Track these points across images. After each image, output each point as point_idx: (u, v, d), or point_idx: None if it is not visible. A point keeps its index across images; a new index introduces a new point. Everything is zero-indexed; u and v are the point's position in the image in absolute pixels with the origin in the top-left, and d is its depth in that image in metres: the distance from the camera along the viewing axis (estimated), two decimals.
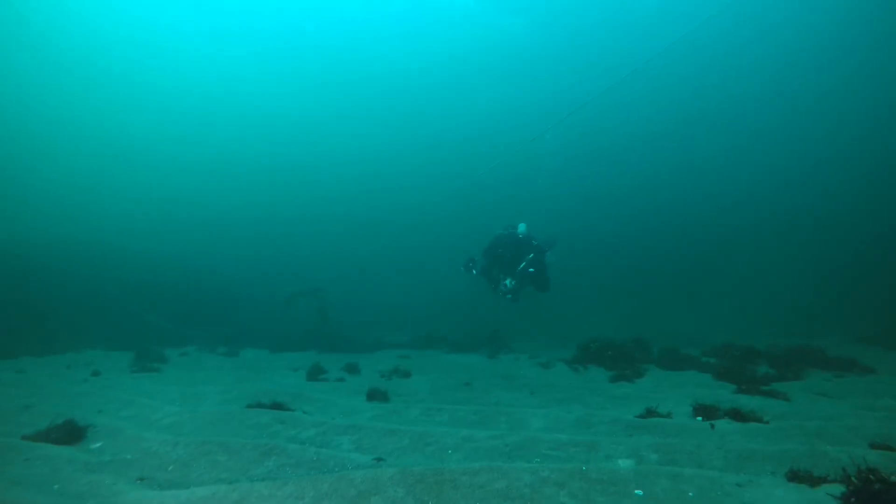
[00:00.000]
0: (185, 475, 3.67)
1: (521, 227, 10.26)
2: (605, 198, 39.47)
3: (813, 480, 3.22)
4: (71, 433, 4.53)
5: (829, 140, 31.61)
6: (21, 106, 36.81)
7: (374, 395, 6.08)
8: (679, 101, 32.51)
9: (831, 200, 30.52)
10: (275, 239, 41.26)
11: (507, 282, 9.53)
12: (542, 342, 14.12)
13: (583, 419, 5.07)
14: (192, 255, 23.00)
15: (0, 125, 37.99)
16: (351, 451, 4.17)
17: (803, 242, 27.62)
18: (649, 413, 5.20)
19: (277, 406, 5.35)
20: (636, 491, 3.13)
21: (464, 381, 7.37)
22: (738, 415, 4.87)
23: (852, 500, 2.79)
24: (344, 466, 3.77)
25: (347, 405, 5.66)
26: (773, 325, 15.69)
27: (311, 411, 5.41)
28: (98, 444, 4.44)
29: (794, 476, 3.31)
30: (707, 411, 5.15)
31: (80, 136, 40.16)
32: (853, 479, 2.86)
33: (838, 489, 2.97)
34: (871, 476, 2.78)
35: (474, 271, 10.19)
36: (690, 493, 3.09)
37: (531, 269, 9.69)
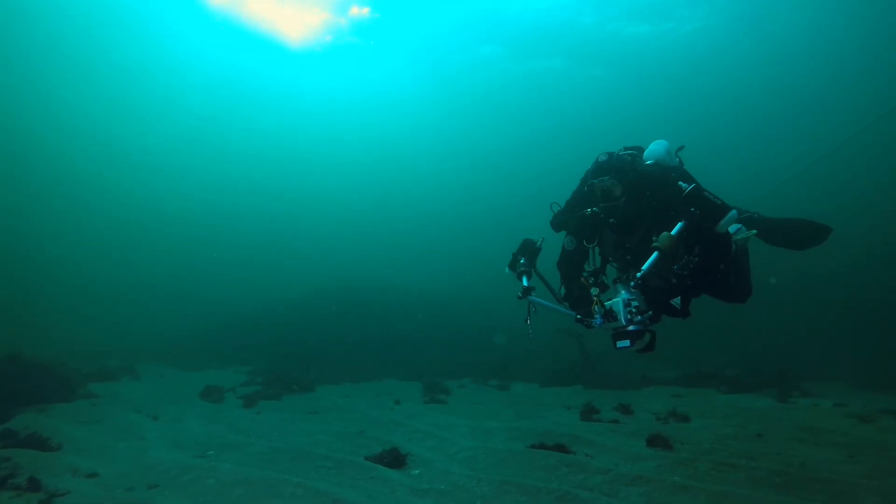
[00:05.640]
0: None
1: (656, 148, 4.29)
2: None
3: None
4: (397, 459, 5.54)
5: None
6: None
7: (655, 442, 5.90)
8: None
9: None
10: None
11: (618, 301, 3.44)
12: (846, 383, 11.11)
13: None
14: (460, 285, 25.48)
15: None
16: None
17: None
18: None
19: (560, 447, 5.63)
20: None
21: (754, 430, 6.62)
22: None
23: None
24: None
25: (628, 451, 5.63)
26: None
27: (593, 455, 5.54)
28: (417, 472, 5.32)
29: None
30: None
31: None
32: None
33: None
34: None
35: (525, 280, 4.14)
36: None
37: (685, 273, 3.67)
